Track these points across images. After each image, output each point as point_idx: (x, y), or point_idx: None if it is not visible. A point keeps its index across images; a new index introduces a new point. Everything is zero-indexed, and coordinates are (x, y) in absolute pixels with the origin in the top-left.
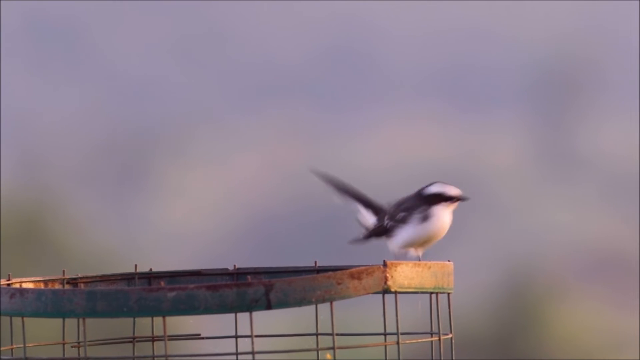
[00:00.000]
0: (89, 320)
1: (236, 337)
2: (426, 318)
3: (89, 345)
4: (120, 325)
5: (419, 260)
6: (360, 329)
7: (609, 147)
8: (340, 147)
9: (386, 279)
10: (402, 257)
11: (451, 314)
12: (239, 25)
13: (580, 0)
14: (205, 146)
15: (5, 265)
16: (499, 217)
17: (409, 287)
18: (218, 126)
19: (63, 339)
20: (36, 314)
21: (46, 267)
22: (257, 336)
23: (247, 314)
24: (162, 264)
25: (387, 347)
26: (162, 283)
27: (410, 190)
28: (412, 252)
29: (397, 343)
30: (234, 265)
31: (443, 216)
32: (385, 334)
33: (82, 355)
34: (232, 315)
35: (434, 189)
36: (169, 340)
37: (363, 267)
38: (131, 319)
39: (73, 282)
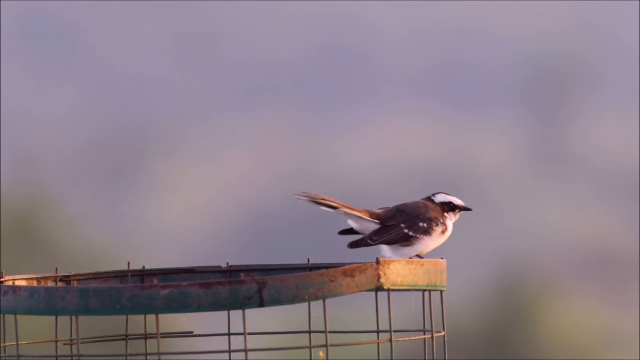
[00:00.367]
0: (81, 318)
1: (229, 334)
2: (419, 316)
3: (82, 342)
4: (113, 323)
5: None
6: (353, 326)
7: (602, 144)
8: (333, 145)
9: (379, 276)
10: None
11: (444, 311)
12: (231, 23)
13: None
14: (198, 144)
15: None
16: (491, 215)
17: (402, 285)
18: (211, 124)
19: (56, 337)
20: (29, 311)
21: (39, 264)
22: (249, 333)
23: (240, 312)
24: (155, 261)
25: (380, 344)
26: (155, 281)
27: (402, 188)
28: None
29: (390, 341)
30: (227, 263)
31: (451, 226)
32: (378, 332)
33: (74, 352)
34: (225, 312)
35: (444, 198)
36: (161, 337)
37: (356, 265)
38: (124, 317)
39: (66, 279)
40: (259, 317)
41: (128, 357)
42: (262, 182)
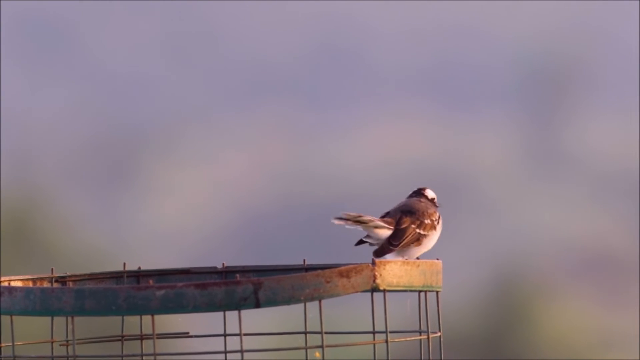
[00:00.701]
0: (77, 319)
1: (225, 335)
2: (415, 316)
3: (78, 343)
4: (109, 324)
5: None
6: (349, 327)
7: (599, 145)
8: (330, 145)
9: (375, 277)
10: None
11: (440, 312)
12: (227, 23)
13: None
14: (194, 144)
15: None
16: (487, 215)
17: (398, 286)
18: (207, 124)
19: (52, 338)
20: (25, 312)
21: (35, 265)
22: (245, 334)
23: (236, 313)
24: (151, 262)
25: (376, 345)
26: (151, 281)
27: (399, 188)
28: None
29: (386, 341)
30: (223, 264)
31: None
32: (374, 333)
33: (70, 353)
34: (221, 313)
35: (433, 194)
36: (157, 338)
37: (352, 266)
38: (119, 318)
39: (62, 280)
40: (255, 318)
41: (124, 358)
42: (258, 182)
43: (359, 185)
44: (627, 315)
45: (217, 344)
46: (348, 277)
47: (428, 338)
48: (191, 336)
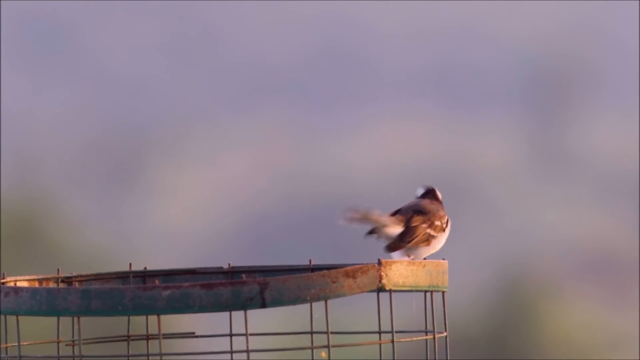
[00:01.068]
0: (83, 319)
1: (231, 335)
2: (421, 316)
3: (84, 343)
4: (115, 324)
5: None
6: (355, 327)
7: (602, 145)
8: (331, 146)
9: (381, 277)
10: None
11: (446, 312)
12: (229, 24)
13: None
14: (198, 145)
15: None
16: (491, 216)
17: (404, 286)
18: (211, 125)
19: (58, 338)
20: (31, 312)
21: (40, 266)
22: (251, 334)
23: (241, 313)
24: (157, 263)
25: (382, 345)
26: (157, 282)
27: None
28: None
29: (392, 341)
30: (229, 264)
31: None
32: (380, 333)
33: (76, 353)
34: (227, 313)
35: (440, 195)
36: (163, 338)
37: (358, 266)
38: (125, 318)
39: (68, 280)
40: (261, 318)
41: (130, 358)
42: (263, 183)
43: (362, 185)
44: (632, 316)
45: (223, 344)
46: (354, 277)
47: (434, 338)
48: (197, 336)
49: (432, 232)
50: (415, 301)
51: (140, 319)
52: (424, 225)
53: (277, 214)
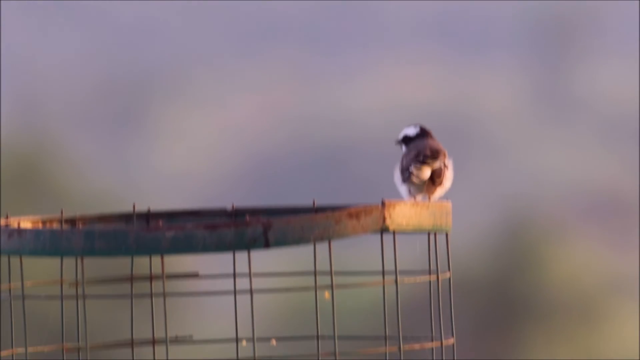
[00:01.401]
0: (87, 262)
1: (234, 275)
2: (424, 258)
3: (87, 283)
4: (118, 266)
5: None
6: (358, 268)
7: (606, 88)
8: (336, 89)
9: (384, 218)
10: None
11: (449, 253)
12: None
13: None
14: (203, 88)
15: (3, 206)
16: (496, 158)
17: (407, 227)
18: (215, 68)
19: (61, 278)
20: (34, 253)
21: (44, 208)
22: (255, 275)
23: (245, 254)
24: (160, 204)
25: (385, 286)
26: (161, 222)
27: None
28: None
29: (396, 282)
30: (232, 205)
31: None
32: (383, 273)
33: (79, 293)
34: (230, 254)
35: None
36: (166, 279)
37: (361, 207)
38: (129, 259)
39: (71, 221)
40: (264, 259)
41: (133, 298)
42: (267, 125)
43: (366, 128)
44: (636, 257)
45: (227, 284)
46: (357, 218)
47: (438, 278)
48: (201, 276)
49: (447, 172)
50: (419, 242)
51: (144, 259)
52: (442, 165)
53: (281, 155)
